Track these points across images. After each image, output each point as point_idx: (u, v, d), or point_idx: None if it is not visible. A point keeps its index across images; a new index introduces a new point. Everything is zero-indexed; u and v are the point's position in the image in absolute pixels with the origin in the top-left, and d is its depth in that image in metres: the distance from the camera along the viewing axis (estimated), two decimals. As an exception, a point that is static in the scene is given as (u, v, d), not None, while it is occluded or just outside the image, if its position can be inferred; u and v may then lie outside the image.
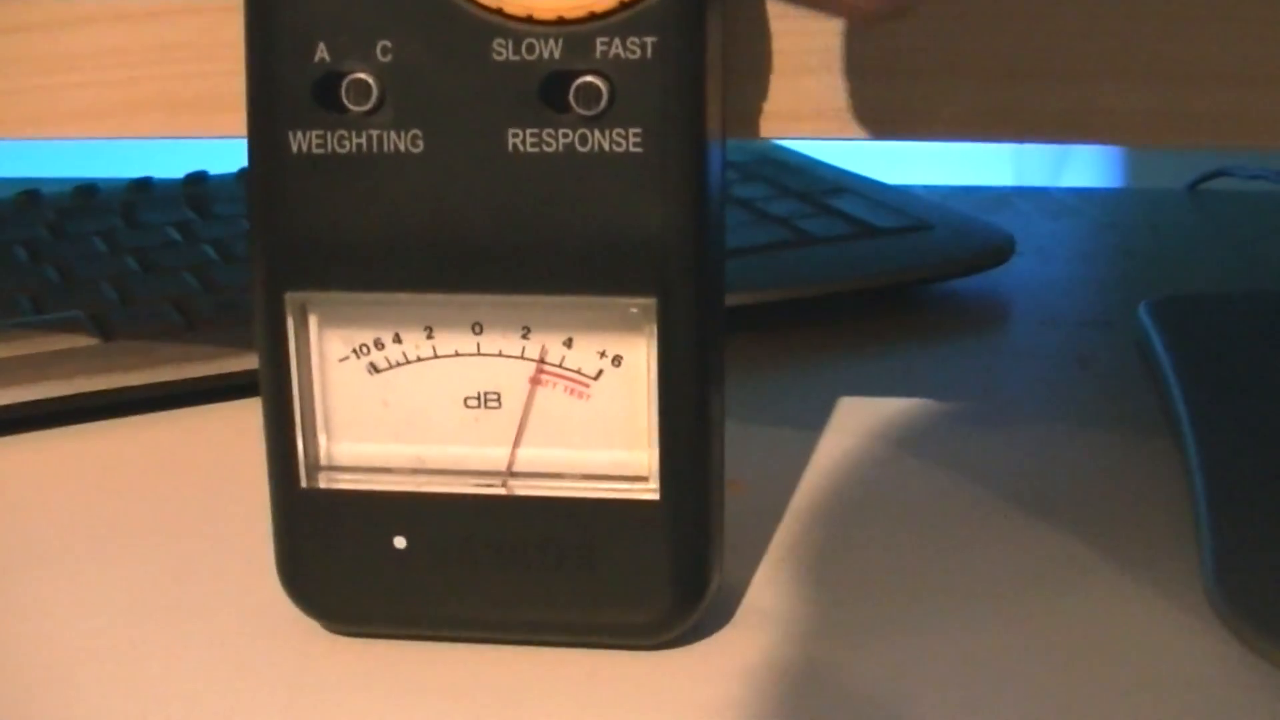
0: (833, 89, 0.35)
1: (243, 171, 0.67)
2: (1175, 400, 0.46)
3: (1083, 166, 1.03)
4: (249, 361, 0.47)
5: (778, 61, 0.35)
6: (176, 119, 0.38)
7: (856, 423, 0.48)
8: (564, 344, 0.34)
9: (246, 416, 0.47)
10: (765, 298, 0.54)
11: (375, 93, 0.32)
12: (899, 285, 0.58)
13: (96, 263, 0.56)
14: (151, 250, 0.57)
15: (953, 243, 0.59)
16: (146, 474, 0.45)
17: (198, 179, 0.66)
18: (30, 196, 0.64)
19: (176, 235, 0.59)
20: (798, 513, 0.42)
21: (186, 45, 0.37)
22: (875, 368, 0.53)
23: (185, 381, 0.49)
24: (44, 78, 0.38)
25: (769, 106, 0.35)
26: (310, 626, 0.36)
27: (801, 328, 0.56)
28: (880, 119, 0.35)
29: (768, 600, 0.38)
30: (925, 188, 0.70)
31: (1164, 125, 0.34)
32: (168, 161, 0.67)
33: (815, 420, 0.48)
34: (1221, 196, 0.73)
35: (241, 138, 0.36)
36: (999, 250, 0.59)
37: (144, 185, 0.65)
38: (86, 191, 0.64)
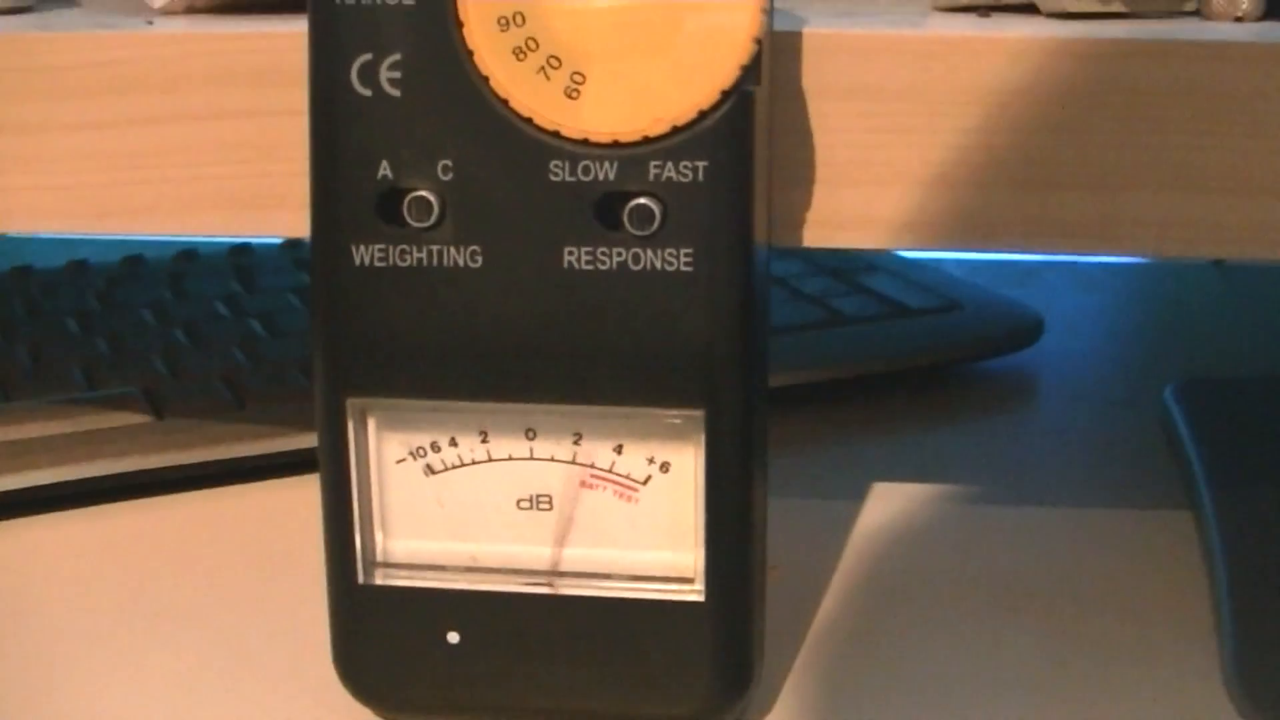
0: (873, 199, 0.36)
1: (287, 243, 0.68)
2: (1199, 485, 0.48)
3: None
4: (298, 440, 0.49)
5: (821, 172, 0.36)
6: (237, 217, 0.39)
7: (889, 504, 0.49)
8: (614, 450, 0.35)
9: (296, 494, 0.49)
10: (799, 379, 0.56)
11: (436, 209, 0.33)
12: (930, 366, 0.59)
13: (146, 335, 0.57)
14: (199, 323, 0.58)
15: (983, 323, 0.61)
16: (201, 551, 0.46)
17: (243, 249, 0.68)
18: (79, 266, 0.65)
19: (223, 309, 0.60)
20: (834, 596, 0.43)
21: (247, 145, 0.38)
22: (907, 448, 0.54)
23: (236, 460, 0.50)
24: (108, 174, 0.39)
25: (812, 215, 0.36)
26: (364, 712, 0.38)
27: (833, 407, 0.57)
28: (924, 228, 0.36)
29: (806, 689, 0.39)
30: (954, 260, 0.71)
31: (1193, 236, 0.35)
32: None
33: (849, 501, 0.49)
34: (1249, 270, 0.74)
35: (300, 238, 0.37)
36: (1029, 331, 0.61)
37: (190, 255, 0.67)
38: (134, 261, 0.66)
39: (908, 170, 0.35)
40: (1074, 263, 0.76)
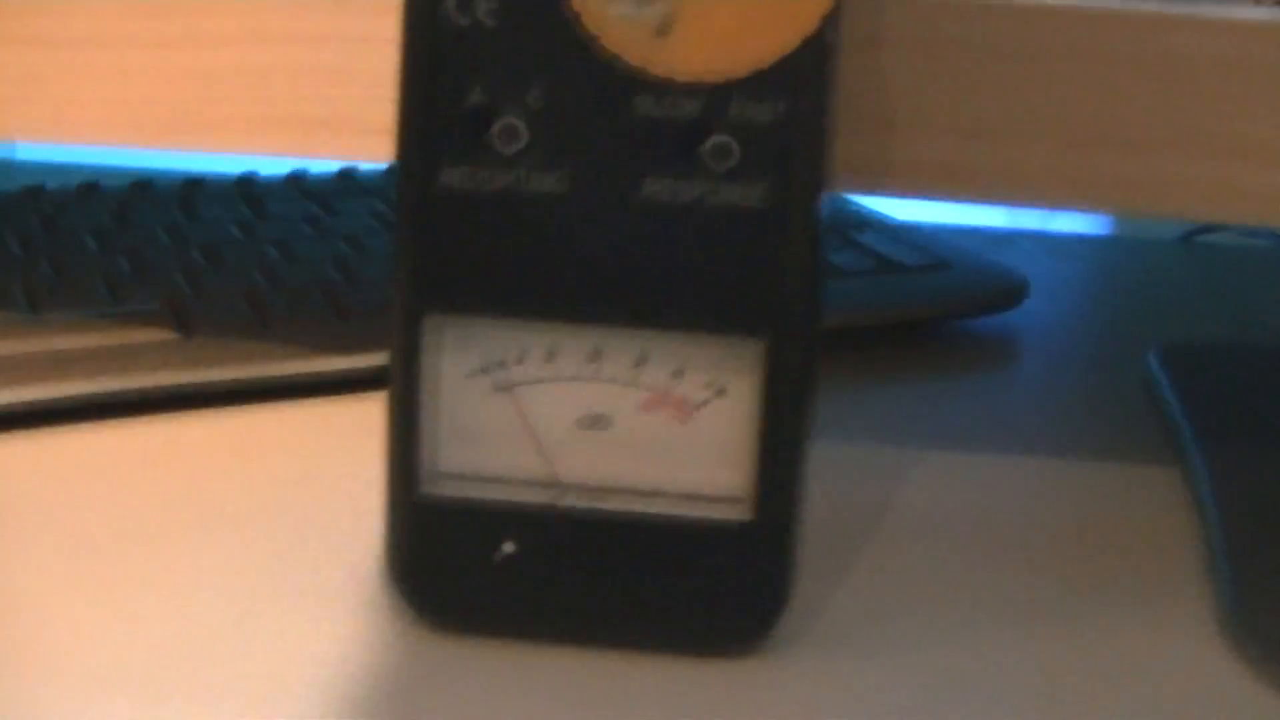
0: (917, 147, 0.38)
1: (291, 175, 0.69)
2: (1186, 440, 0.50)
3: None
4: (324, 363, 0.51)
5: (874, 123, 0.38)
6: (308, 139, 0.40)
7: (882, 451, 0.51)
8: (674, 374, 0.37)
9: (327, 415, 0.50)
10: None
11: (525, 136, 0.35)
12: (919, 321, 0.62)
13: (165, 255, 0.59)
14: (217, 246, 0.60)
15: (971, 282, 0.63)
16: (235, 464, 0.48)
17: (248, 180, 0.69)
18: (90, 188, 0.66)
19: (238, 233, 0.61)
20: (832, 541, 0.45)
21: (322, 69, 0.40)
22: (895, 400, 0.56)
23: (265, 379, 0.51)
24: (179, 90, 0.40)
25: (865, 164, 0.38)
26: (407, 627, 0.39)
27: (824, 356, 0.59)
28: (965, 180, 0.38)
29: (827, 615, 0.41)
30: (935, 225, 0.74)
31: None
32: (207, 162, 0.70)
33: (844, 444, 0.51)
34: (1213, 249, 0.77)
35: (372, 161, 0.39)
36: (1014, 292, 0.63)
37: (197, 183, 0.68)
38: (143, 186, 0.67)
39: (955, 122, 0.37)
40: (1042, 232, 0.79)
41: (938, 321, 0.63)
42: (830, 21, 0.34)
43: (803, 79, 0.35)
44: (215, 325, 0.53)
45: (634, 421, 0.37)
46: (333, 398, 0.52)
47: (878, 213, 0.71)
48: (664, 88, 0.35)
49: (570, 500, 0.38)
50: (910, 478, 0.49)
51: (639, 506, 0.38)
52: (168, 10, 0.39)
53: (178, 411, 0.51)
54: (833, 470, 0.50)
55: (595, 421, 0.37)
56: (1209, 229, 0.79)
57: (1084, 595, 0.43)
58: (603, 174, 0.35)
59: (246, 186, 0.68)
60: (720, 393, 0.37)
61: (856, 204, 0.72)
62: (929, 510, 0.47)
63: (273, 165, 0.69)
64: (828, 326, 0.58)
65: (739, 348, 0.36)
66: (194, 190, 0.67)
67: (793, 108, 0.35)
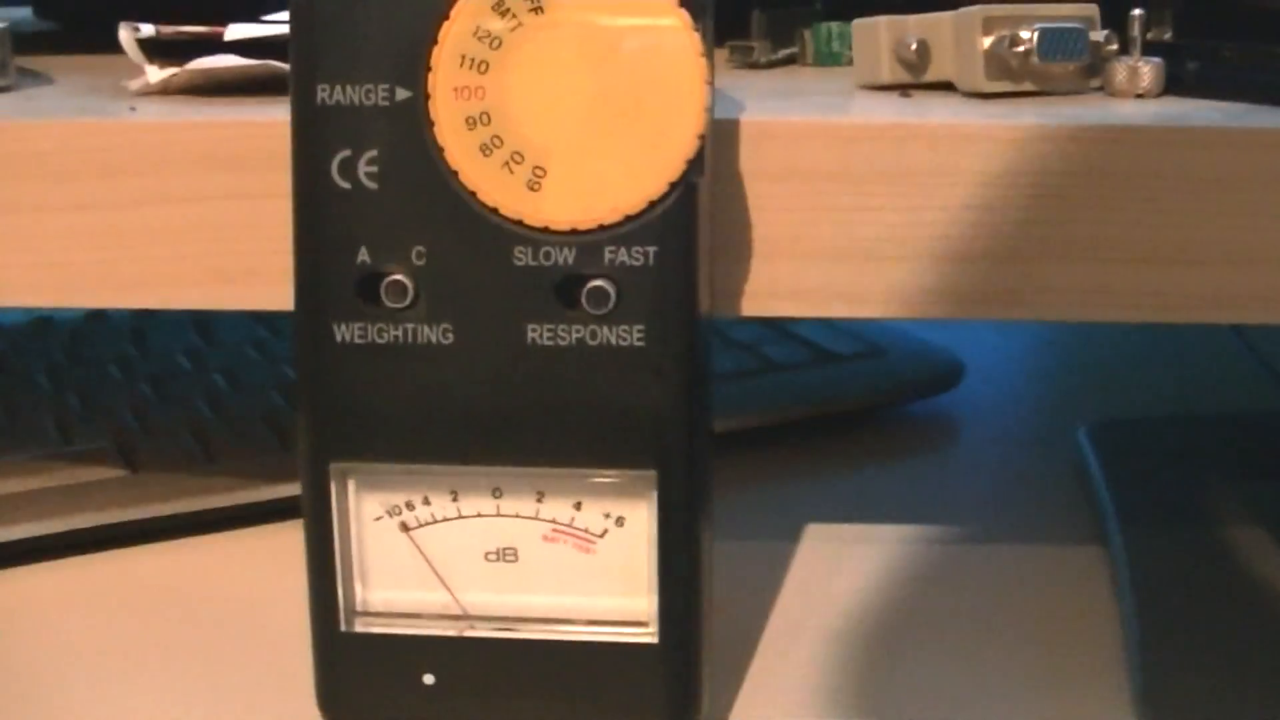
0: (804, 270, 0.39)
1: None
2: (1109, 521, 0.51)
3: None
4: (266, 492, 0.52)
5: (757, 247, 0.40)
6: (220, 291, 0.42)
7: (820, 543, 0.52)
8: (574, 506, 0.38)
9: (268, 543, 0.52)
10: (732, 425, 0.59)
11: (411, 291, 0.37)
12: (857, 410, 0.63)
13: (114, 389, 0.60)
14: (165, 378, 0.61)
15: (906, 368, 0.64)
16: (178, 598, 0.49)
17: (200, 303, 0.70)
18: (43, 323, 0.68)
19: (186, 363, 0.63)
20: (769, 632, 0.46)
21: (228, 225, 0.41)
22: (836, 489, 0.58)
23: (209, 511, 0.53)
24: (96, 252, 0.42)
25: (749, 287, 0.40)
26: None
27: (764, 450, 0.60)
28: (852, 298, 0.40)
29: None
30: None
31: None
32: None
33: (782, 541, 0.53)
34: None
35: (282, 311, 0.40)
36: (950, 375, 0.64)
37: (149, 311, 0.69)
38: (96, 316, 0.69)
39: (835, 245, 0.39)
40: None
41: (877, 408, 0.64)
42: (693, 165, 0.36)
43: (671, 221, 0.36)
44: (162, 461, 0.54)
45: (539, 553, 0.39)
46: (280, 524, 0.54)
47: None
48: (541, 238, 0.36)
49: (481, 631, 0.39)
50: (850, 568, 0.51)
51: (550, 634, 0.39)
52: (79, 175, 0.41)
53: (126, 547, 0.53)
54: (777, 562, 0.51)
55: (502, 555, 0.39)
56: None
57: (1009, 676, 0.44)
58: (488, 322, 0.37)
59: (198, 311, 0.70)
60: (619, 522, 0.39)
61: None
62: (862, 599, 0.49)
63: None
64: (770, 421, 0.60)
65: (631, 479, 0.38)
66: (146, 318, 0.69)
67: (664, 249, 0.36)
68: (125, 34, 0.44)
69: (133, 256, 0.42)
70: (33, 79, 0.49)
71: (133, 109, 0.42)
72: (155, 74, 0.44)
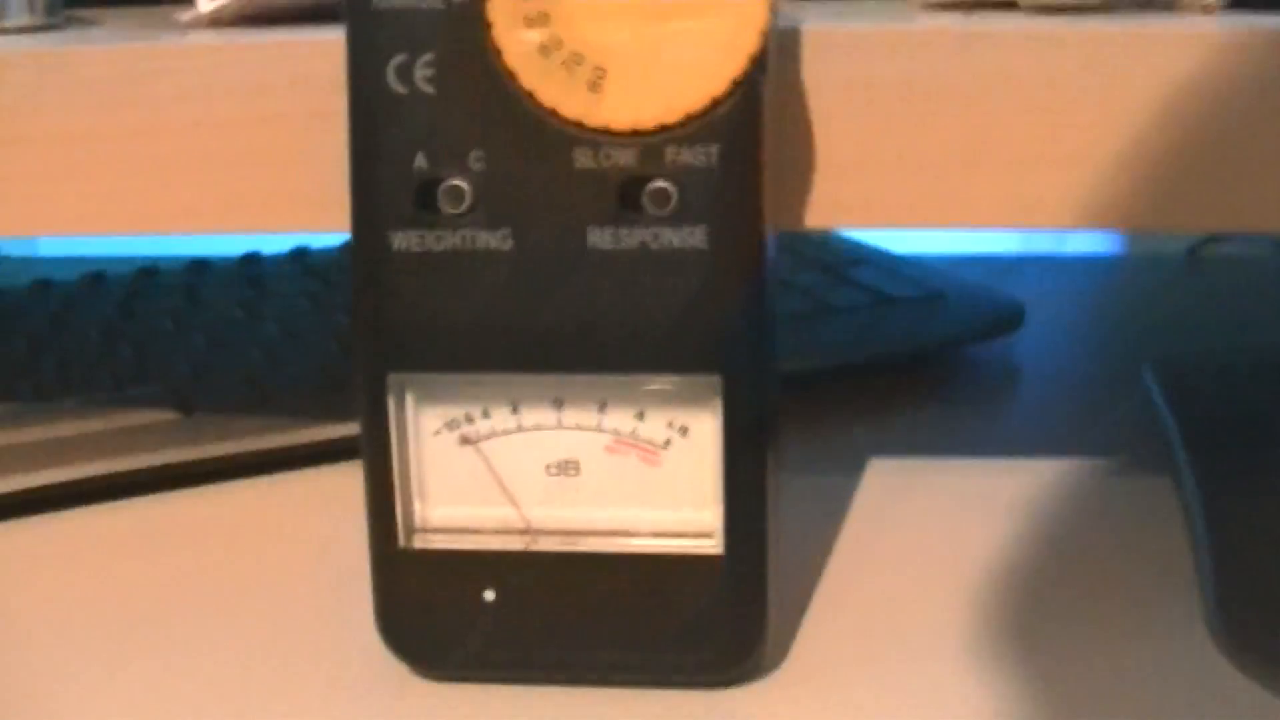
0: (869, 183, 0.39)
1: (294, 252, 0.71)
2: (1177, 451, 0.51)
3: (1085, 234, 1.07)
4: (321, 432, 0.52)
5: (820, 158, 0.39)
6: (273, 215, 0.41)
7: (883, 480, 0.52)
8: (636, 416, 0.38)
9: (323, 484, 0.51)
10: (792, 367, 0.58)
11: (469, 197, 0.36)
12: (918, 352, 0.62)
13: (169, 342, 0.60)
14: (219, 330, 0.61)
15: (967, 311, 0.63)
16: (236, 538, 0.49)
17: (252, 259, 0.70)
18: (95, 279, 0.68)
19: (239, 313, 0.63)
20: (835, 564, 0.46)
21: (281, 148, 0.41)
22: (899, 427, 0.57)
23: (264, 452, 0.52)
24: (148, 179, 0.42)
25: (813, 199, 0.39)
26: (404, 672, 0.40)
27: (825, 392, 0.60)
28: (914, 210, 0.39)
29: (812, 648, 0.41)
30: (938, 257, 0.74)
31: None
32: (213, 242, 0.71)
33: (845, 478, 0.52)
34: (1217, 261, 0.78)
35: (334, 232, 0.40)
36: (1011, 318, 0.63)
37: (202, 266, 0.69)
38: (148, 273, 0.68)
39: (899, 156, 0.38)
40: (1051, 256, 0.79)
41: (936, 351, 0.63)
42: (757, 63, 0.35)
43: (734, 120, 0.35)
44: (216, 404, 0.54)
45: (602, 465, 0.38)
46: (335, 465, 0.53)
47: (874, 247, 0.72)
48: (600, 140, 0.36)
49: (544, 545, 0.39)
50: (910, 501, 0.50)
51: (613, 547, 0.38)
52: (130, 102, 0.41)
53: (181, 489, 0.52)
54: (837, 499, 0.50)
55: (564, 468, 0.38)
56: (1214, 239, 0.79)
57: (1082, 604, 0.43)
58: (547, 227, 0.36)
59: (249, 266, 0.69)
60: (683, 432, 0.38)
61: (852, 240, 0.73)
62: (925, 531, 0.48)
63: (275, 243, 0.71)
64: (829, 364, 0.60)
65: (695, 386, 0.37)
66: (199, 273, 0.68)
67: (726, 148, 0.36)
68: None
69: (186, 182, 0.41)
70: (81, 23, 0.49)
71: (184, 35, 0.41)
72: (206, 4, 0.44)
